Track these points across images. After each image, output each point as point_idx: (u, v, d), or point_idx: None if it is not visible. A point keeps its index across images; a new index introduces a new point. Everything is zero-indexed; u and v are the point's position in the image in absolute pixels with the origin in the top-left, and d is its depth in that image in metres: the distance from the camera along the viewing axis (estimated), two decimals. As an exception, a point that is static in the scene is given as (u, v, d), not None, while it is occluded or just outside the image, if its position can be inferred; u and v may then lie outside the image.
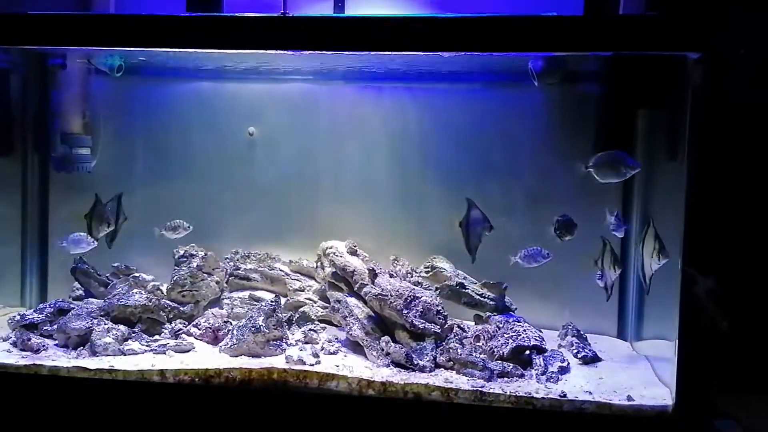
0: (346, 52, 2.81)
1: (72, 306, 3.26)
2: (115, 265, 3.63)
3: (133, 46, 2.83)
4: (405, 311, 2.98)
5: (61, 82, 3.65)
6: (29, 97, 3.72)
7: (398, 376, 2.75)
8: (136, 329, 3.12)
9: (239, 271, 3.64)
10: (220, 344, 3.06)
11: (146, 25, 2.77)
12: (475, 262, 3.33)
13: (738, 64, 2.56)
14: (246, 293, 3.56)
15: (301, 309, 3.42)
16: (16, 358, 2.90)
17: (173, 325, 3.23)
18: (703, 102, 2.53)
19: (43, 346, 3.02)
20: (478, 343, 3.06)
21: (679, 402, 2.56)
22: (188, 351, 3.02)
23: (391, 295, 3.02)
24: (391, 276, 3.25)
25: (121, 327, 3.07)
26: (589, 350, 3.06)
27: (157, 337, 3.12)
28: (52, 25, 2.80)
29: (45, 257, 3.80)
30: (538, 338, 3.01)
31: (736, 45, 2.55)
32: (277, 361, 2.86)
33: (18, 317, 3.17)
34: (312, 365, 2.82)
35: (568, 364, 2.93)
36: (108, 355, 2.92)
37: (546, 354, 2.95)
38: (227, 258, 3.70)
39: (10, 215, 3.74)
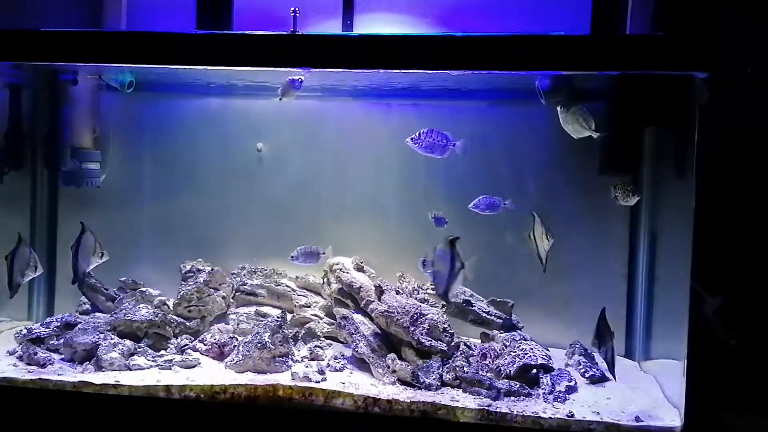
0: (355, 70, 2.83)
1: (78, 320, 3.27)
2: (122, 279, 3.64)
3: (144, 62, 2.87)
4: (411, 328, 2.97)
5: (71, 98, 3.68)
6: (40, 113, 3.75)
7: (404, 394, 2.74)
8: (142, 344, 3.12)
9: (246, 287, 3.64)
10: (225, 360, 3.05)
11: (157, 42, 2.81)
12: (482, 279, 3.35)
13: (745, 82, 2.57)
14: (252, 309, 3.56)
15: (307, 325, 3.41)
16: (22, 372, 2.90)
17: (179, 340, 3.22)
18: (711, 120, 2.54)
19: (50, 360, 3.02)
20: (484, 362, 3.04)
21: (689, 423, 2.53)
22: (194, 366, 3.02)
23: (398, 312, 3.01)
24: (397, 293, 3.25)
25: (128, 342, 3.07)
26: (597, 369, 3.04)
27: (163, 352, 3.12)
28: (64, 41, 2.84)
29: (53, 271, 3.81)
30: (545, 357, 3.00)
31: (743, 64, 2.56)
32: (283, 378, 2.85)
33: (25, 331, 3.18)
34: (318, 382, 2.81)
35: (576, 383, 2.91)
36: (114, 370, 2.92)
37: (553, 373, 2.93)
38: (234, 273, 3.70)
39: (19, 229, 3.75)
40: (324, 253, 3.35)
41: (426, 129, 3.09)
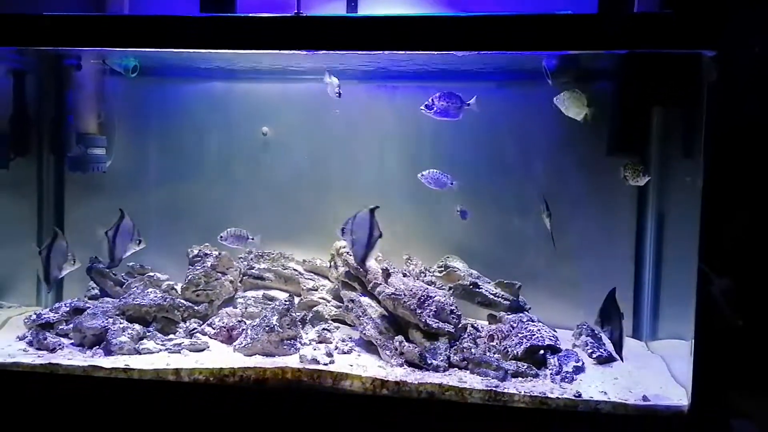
0: (360, 52, 2.81)
1: (87, 305, 3.28)
2: (130, 264, 3.65)
3: (147, 46, 2.85)
4: (418, 311, 2.98)
5: (76, 83, 3.67)
6: (45, 98, 3.76)
7: (412, 376, 2.75)
8: (151, 328, 3.14)
9: (253, 271, 3.65)
10: (234, 343, 3.07)
11: (160, 26, 2.79)
12: (489, 261, 3.40)
13: (754, 61, 2.54)
14: (260, 292, 3.57)
15: (315, 308, 3.42)
16: (32, 357, 2.92)
17: (188, 324, 3.24)
18: (719, 99, 2.51)
19: (59, 345, 3.05)
20: (492, 343, 3.05)
21: (696, 402, 2.54)
22: (203, 350, 3.04)
23: (405, 295, 3.02)
24: (404, 275, 3.25)
25: (137, 326, 3.09)
26: (604, 350, 3.04)
27: (171, 336, 3.14)
28: (67, 26, 2.82)
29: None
30: (552, 338, 3.00)
31: (752, 42, 2.53)
32: (291, 361, 2.86)
33: (34, 316, 3.20)
34: (326, 365, 2.83)
35: (583, 364, 2.92)
36: (123, 354, 2.94)
37: (560, 354, 2.94)
38: (241, 257, 3.71)
39: (26, 215, 3.78)
40: (252, 239, 3.42)
41: (438, 93, 3.10)
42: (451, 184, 3.28)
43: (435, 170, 3.29)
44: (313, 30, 2.71)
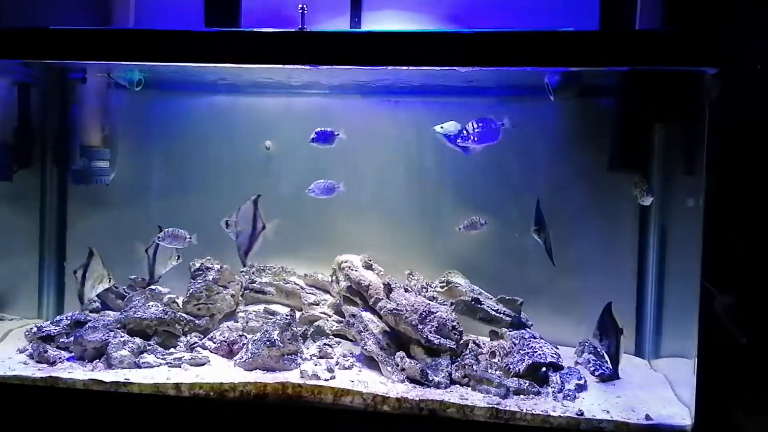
0: (363, 67, 2.82)
1: (88, 318, 3.28)
2: (132, 277, 3.65)
3: (152, 60, 2.87)
4: (420, 326, 2.97)
5: (80, 96, 3.69)
6: (49, 111, 3.77)
7: (413, 392, 2.73)
8: (151, 342, 3.13)
9: (254, 285, 3.65)
10: (235, 358, 3.06)
11: (165, 40, 2.80)
12: (491, 277, 3.38)
13: (755, 78, 2.54)
14: (261, 307, 3.56)
15: (316, 323, 3.41)
16: (32, 370, 2.92)
17: (188, 338, 3.23)
18: (721, 116, 2.51)
19: (60, 358, 3.04)
20: (493, 360, 3.03)
21: (699, 421, 2.52)
22: (203, 364, 3.03)
23: (406, 310, 3.01)
24: (406, 290, 3.24)
25: (137, 340, 3.08)
26: (607, 368, 3.03)
27: (172, 350, 3.13)
28: (73, 39, 2.84)
29: (62, 269, 3.82)
30: (554, 355, 2.99)
31: (754, 59, 2.53)
32: (292, 376, 2.85)
33: (35, 329, 3.20)
34: (326, 380, 2.81)
35: (585, 381, 2.90)
36: (124, 368, 2.93)
37: (562, 371, 2.92)
38: (243, 271, 3.70)
39: (28, 227, 3.78)
40: (189, 239, 3.36)
41: (471, 121, 3.08)
42: (338, 187, 3.33)
43: (319, 181, 3.34)
44: (317, 45, 2.72)
